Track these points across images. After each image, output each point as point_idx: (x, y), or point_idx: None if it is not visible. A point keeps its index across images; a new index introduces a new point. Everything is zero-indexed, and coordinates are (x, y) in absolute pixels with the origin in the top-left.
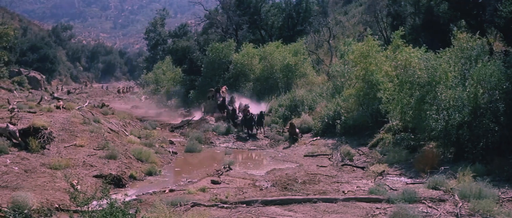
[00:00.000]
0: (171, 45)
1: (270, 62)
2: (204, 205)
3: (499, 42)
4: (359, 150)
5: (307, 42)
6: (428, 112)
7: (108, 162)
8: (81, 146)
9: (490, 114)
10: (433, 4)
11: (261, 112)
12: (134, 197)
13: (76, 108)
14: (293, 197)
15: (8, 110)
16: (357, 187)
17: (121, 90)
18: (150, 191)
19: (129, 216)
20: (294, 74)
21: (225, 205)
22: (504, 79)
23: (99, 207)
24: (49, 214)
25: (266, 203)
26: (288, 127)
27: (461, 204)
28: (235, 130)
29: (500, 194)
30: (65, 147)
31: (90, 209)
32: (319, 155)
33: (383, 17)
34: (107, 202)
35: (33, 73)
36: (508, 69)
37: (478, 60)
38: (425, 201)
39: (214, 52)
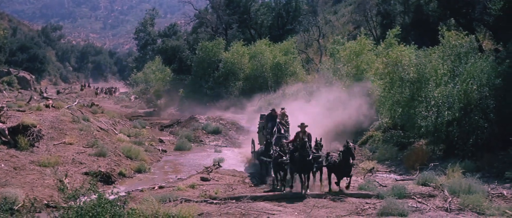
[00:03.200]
0: (161, 45)
1: (260, 61)
2: (194, 201)
3: (488, 40)
4: None
5: (297, 41)
6: (417, 109)
7: (97, 159)
8: (70, 144)
9: (480, 110)
10: (422, 3)
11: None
12: (123, 193)
13: (66, 107)
14: (282, 192)
15: None
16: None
17: (99, 92)
18: (140, 188)
19: (118, 208)
20: (284, 73)
21: (215, 201)
22: (494, 75)
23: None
24: (38, 210)
25: (255, 198)
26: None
27: (450, 199)
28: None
29: (489, 190)
30: (54, 144)
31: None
32: None
33: (373, 16)
34: (95, 197)
35: (22, 73)
36: (499, 66)
37: (468, 57)
38: (414, 197)
39: (204, 51)
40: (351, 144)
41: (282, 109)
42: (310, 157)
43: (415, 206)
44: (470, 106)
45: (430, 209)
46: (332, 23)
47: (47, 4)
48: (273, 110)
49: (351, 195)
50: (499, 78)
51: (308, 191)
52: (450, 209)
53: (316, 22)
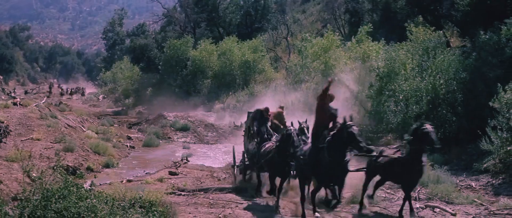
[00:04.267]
0: (129, 44)
1: (229, 58)
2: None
3: (455, 38)
4: None
5: (265, 39)
6: (386, 104)
7: (65, 154)
8: (38, 140)
9: (448, 104)
10: (390, 1)
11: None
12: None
13: (34, 105)
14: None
15: None
16: None
17: (64, 92)
18: (108, 182)
19: (84, 190)
20: (253, 71)
21: (183, 193)
22: (461, 69)
23: None
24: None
25: (223, 190)
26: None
27: (419, 189)
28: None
29: (458, 181)
30: (22, 140)
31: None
32: None
33: (341, 14)
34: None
35: None
36: (466, 60)
37: (436, 52)
38: (383, 188)
39: (172, 49)
40: (429, 126)
41: (280, 107)
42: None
43: (384, 196)
44: (438, 100)
45: (398, 198)
46: (300, 22)
47: (15, 5)
48: (266, 109)
49: None
50: (466, 72)
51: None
52: (418, 198)
53: (284, 20)
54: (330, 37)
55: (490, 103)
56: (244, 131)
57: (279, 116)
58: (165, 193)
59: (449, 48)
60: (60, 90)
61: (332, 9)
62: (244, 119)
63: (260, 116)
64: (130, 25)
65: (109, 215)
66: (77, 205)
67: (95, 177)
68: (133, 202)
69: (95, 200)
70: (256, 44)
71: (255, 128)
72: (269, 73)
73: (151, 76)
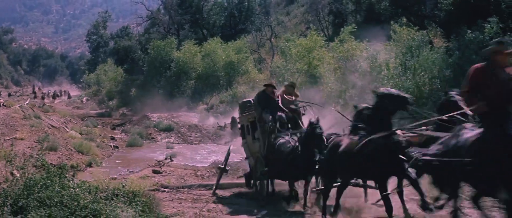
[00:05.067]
0: (113, 46)
1: (212, 59)
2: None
3: (439, 38)
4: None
5: (249, 41)
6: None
7: (48, 153)
8: (22, 139)
9: (431, 102)
10: (374, 2)
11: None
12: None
13: (17, 105)
14: (234, 181)
15: None
16: None
17: (45, 96)
18: (91, 180)
19: (66, 179)
20: (236, 72)
21: (167, 189)
22: (445, 68)
23: None
24: None
25: (206, 187)
26: (229, 121)
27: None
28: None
29: None
30: (5, 140)
31: None
32: None
33: (325, 16)
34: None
35: None
36: (449, 58)
37: (419, 50)
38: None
39: (156, 51)
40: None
41: (290, 84)
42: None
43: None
44: (422, 99)
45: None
46: (284, 23)
47: None
48: (269, 86)
49: None
50: (450, 70)
51: None
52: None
53: (268, 22)
54: (313, 37)
55: None
56: (241, 132)
57: (291, 88)
58: (149, 189)
59: (431, 46)
60: (41, 93)
61: (316, 11)
62: (228, 119)
63: (265, 99)
64: (114, 28)
65: (92, 204)
66: (60, 194)
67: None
68: (116, 193)
69: (78, 189)
70: (240, 46)
71: (264, 113)
72: (253, 75)
73: (135, 77)
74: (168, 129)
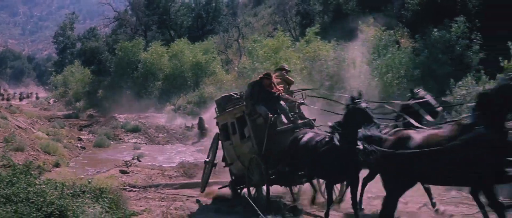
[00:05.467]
0: (80, 47)
1: (180, 60)
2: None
3: (406, 39)
4: None
5: (217, 42)
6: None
7: (15, 154)
8: None
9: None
10: (341, 2)
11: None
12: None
13: None
14: (200, 180)
15: None
16: None
17: (12, 97)
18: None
19: (32, 178)
20: (204, 73)
21: (134, 189)
22: (412, 67)
23: None
24: None
25: (172, 186)
26: (197, 122)
27: None
28: None
29: None
30: None
31: None
32: None
33: (292, 16)
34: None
35: None
36: (417, 57)
37: (386, 50)
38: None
39: (123, 51)
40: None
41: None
42: None
43: None
44: (390, 98)
45: None
46: (252, 24)
47: None
48: (267, 78)
49: None
50: (417, 69)
51: None
52: None
53: (236, 23)
54: (280, 37)
55: (443, 98)
56: (220, 134)
57: (284, 85)
58: (116, 187)
59: (398, 46)
60: (8, 95)
61: (283, 12)
62: (195, 120)
63: (258, 91)
64: (81, 30)
65: (58, 200)
66: (26, 191)
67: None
68: (83, 189)
69: (44, 186)
70: (207, 47)
71: (264, 111)
72: (220, 75)
73: (102, 79)
74: (135, 130)
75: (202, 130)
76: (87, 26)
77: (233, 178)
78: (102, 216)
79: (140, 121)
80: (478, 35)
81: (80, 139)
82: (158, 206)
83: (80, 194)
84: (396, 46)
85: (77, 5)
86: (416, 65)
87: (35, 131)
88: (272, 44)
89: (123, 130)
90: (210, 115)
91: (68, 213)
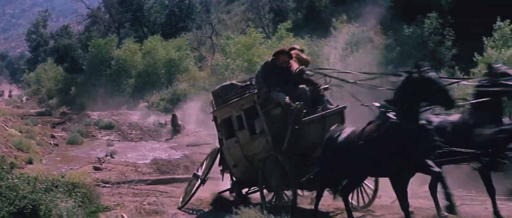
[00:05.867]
0: (53, 45)
1: (153, 57)
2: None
3: (379, 36)
4: None
5: (190, 39)
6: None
7: None
8: None
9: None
10: None
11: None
12: None
13: None
14: (173, 176)
15: None
16: None
17: None
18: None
19: (4, 172)
20: (177, 70)
21: (107, 185)
22: (385, 63)
23: None
24: None
25: (146, 182)
26: (170, 119)
27: None
28: None
29: None
30: None
31: None
32: (203, 144)
33: (266, 13)
34: None
35: None
36: (390, 53)
37: (359, 46)
38: None
39: (96, 48)
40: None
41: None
42: None
43: None
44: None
45: None
46: (225, 21)
47: None
48: (283, 54)
49: None
50: (390, 65)
51: None
52: None
53: (209, 20)
54: (252, 34)
55: None
56: (219, 130)
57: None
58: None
59: (371, 42)
60: None
61: (256, 9)
62: (168, 117)
63: (274, 73)
64: (54, 27)
65: (31, 194)
66: None
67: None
68: (56, 184)
69: (16, 180)
70: (180, 44)
71: (283, 98)
72: (194, 72)
73: (75, 76)
74: (108, 127)
75: (175, 127)
76: (60, 24)
77: (236, 182)
78: (75, 210)
79: (113, 118)
80: (451, 31)
81: (53, 136)
82: (131, 201)
83: (53, 189)
84: (369, 42)
85: (50, 3)
86: (389, 61)
87: (8, 129)
88: (245, 41)
89: (96, 127)
90: (183, 112)
91: (41, 207)
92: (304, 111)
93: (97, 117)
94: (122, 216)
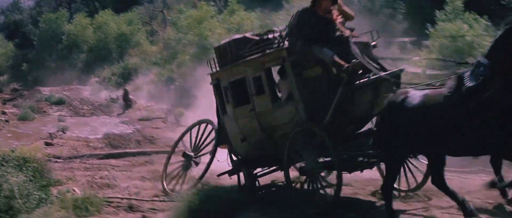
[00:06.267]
0: (3, 20)
1: (104, 32)
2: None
3: None
4: None
5: (141, 13)
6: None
7: None
8: None
9: None
10: None
11: None
12: None
13: None
14: (125, 151)
15: None
16: None
17: None
18: None
19: None
20: (128, 44)
21: (59, 160)
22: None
23: None
24: None
25: (97, 156)
26: (122, 94)
27: None
28: None
29: None
30: None
31: None
32: (154, 118)
33: None
34: None
35: None
36: None
37: None
38: None
39: (47, 24)
40: None
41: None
42: None
43: None
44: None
45: None
46: None
47: None
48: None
49: None
50: None
51: None
52: None
53: None
54: (203, 8)
55: None
56: (224, 95)
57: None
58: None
59: None
60: None
61: None
62: (120, 92)
63: (313, 23)
64: (4, 3)
65: None
66: None
67: None
68: (6, 159)
69: None
70: (131, 18)
71: (329, 55)
72: (145, 47)
73: (26, 52)
74: (60, 102)
75: (127, 101)
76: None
77: (242, 160)
78: (26, 184)
79: (64, 93)
80: (402, 4)
81: (4, 113)
82: (83, 176)
83: (3, 164)
84: None
85: None
86: None
87: None
88: (196, 15)
89: (48, 102)
90: (135, 87)
91: None
92: (360, 72)
93: (49, 93)
94: (74, 189)
